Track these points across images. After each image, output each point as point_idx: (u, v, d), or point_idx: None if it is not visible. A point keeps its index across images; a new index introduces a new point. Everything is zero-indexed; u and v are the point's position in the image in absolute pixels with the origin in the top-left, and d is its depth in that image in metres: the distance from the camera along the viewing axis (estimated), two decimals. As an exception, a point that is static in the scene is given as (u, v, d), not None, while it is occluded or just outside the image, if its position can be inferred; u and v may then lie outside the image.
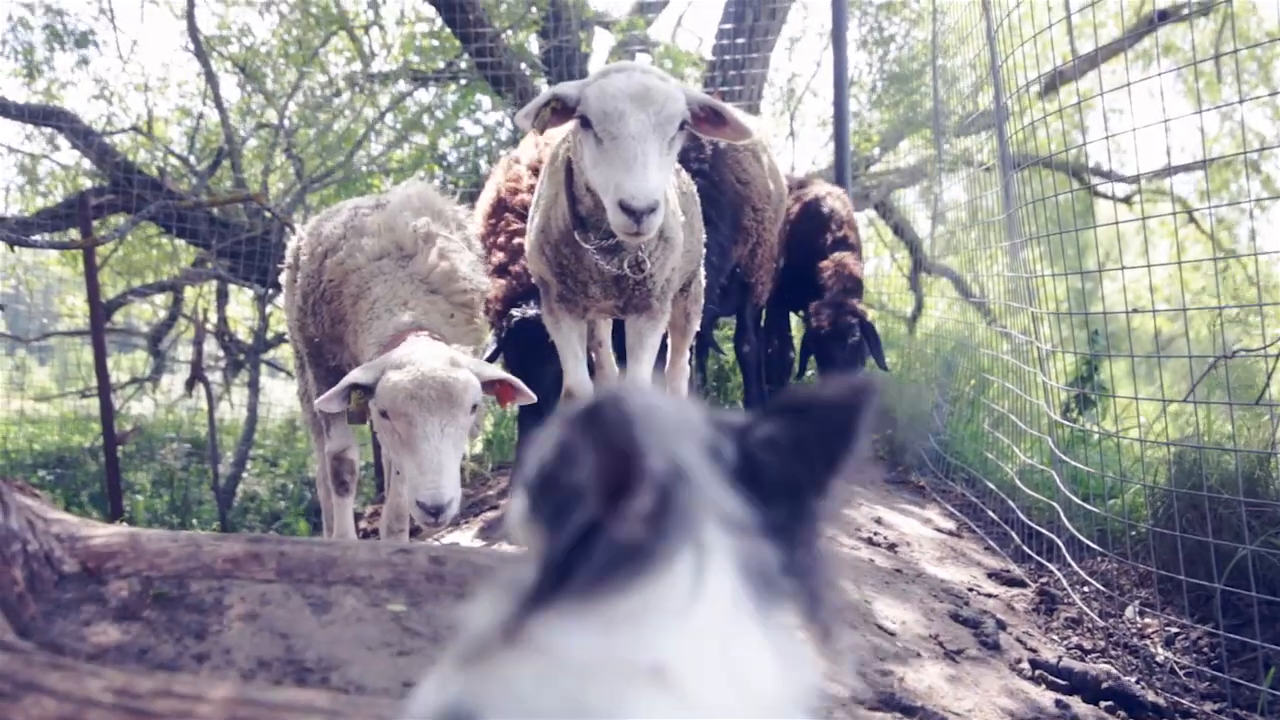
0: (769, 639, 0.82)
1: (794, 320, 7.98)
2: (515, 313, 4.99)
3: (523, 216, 4.82)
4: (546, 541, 0.84)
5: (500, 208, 5.19)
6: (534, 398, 3.73)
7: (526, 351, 4.94)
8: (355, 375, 3.44)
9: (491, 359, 4.87)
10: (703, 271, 4.72)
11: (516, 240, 4.94)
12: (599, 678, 0.73)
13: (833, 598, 0.90)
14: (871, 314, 7.06)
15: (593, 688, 0.73)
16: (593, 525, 0.81)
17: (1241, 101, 3.72)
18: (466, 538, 4.86)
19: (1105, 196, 13.97)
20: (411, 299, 3.81)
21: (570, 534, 0.81)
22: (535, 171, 4.86)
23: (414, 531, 4.80)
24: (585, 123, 3.33)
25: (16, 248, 7.99)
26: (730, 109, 3.58)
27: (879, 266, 13.71)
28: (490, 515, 5.27)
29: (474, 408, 3.45)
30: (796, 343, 7.82)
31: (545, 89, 3.54)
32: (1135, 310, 3.81)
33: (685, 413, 0.89)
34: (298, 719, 1.58)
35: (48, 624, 2.10)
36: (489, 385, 3.57)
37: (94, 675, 1.61)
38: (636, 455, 0.80)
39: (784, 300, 7.44)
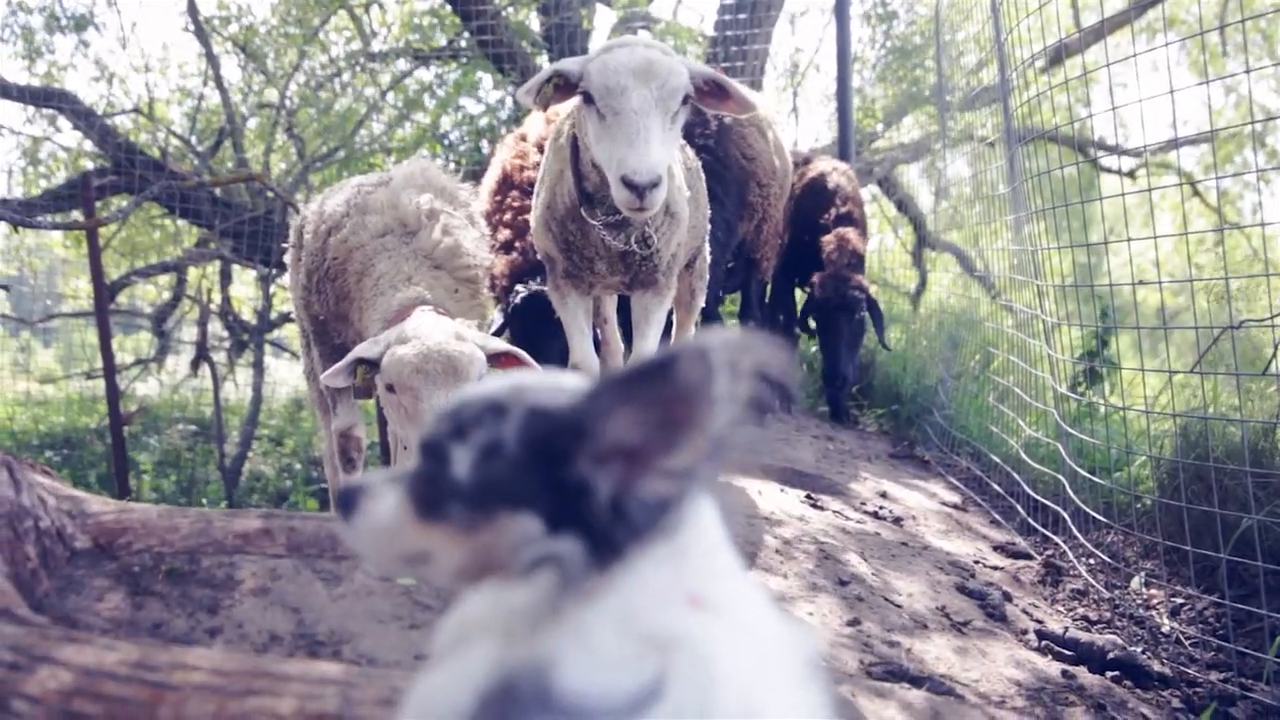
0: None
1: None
2: (521, 288, 4.99)
3: (528, 193, 4.81)
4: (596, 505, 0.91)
5: (506, 184, 5.18)
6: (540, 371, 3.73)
7: (532, 327, 4.95)
8: (361, 350, 3.44)
9: (497, 334, 4.87)
10: (708, 247, 4.72)
11: (522, 217, 4.93)
12: (650, 613, 0.84)
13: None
14: (874, 289, 7.05)
15: (648, 621, 0.84)
16: (623, 487, 0.90)
17: (1248, 72, 3.69)
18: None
19: (1110, 171, 13.93)
20: (416, 274, 3.80)
21: (608, 491, 0.90)
22: (541, 148, 4.85)
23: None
24: (588, 98, 3.32)
25: (20, 229, 7.98)
26: (733, 83, 3.56)
27: (882, 242, 13.67)
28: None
29: (480, 381, 3.45)
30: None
31: (547, 66, 3.52)
32: (1141, 283, 3.80)
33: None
34: (312, 690, 1.59)
35: (60, 599, 2.11)
36: (494, 359, 3.56)
37: (109, 648, 1.62)
38: (703, 410, 0.88)
39: (787, 275, 7.44)
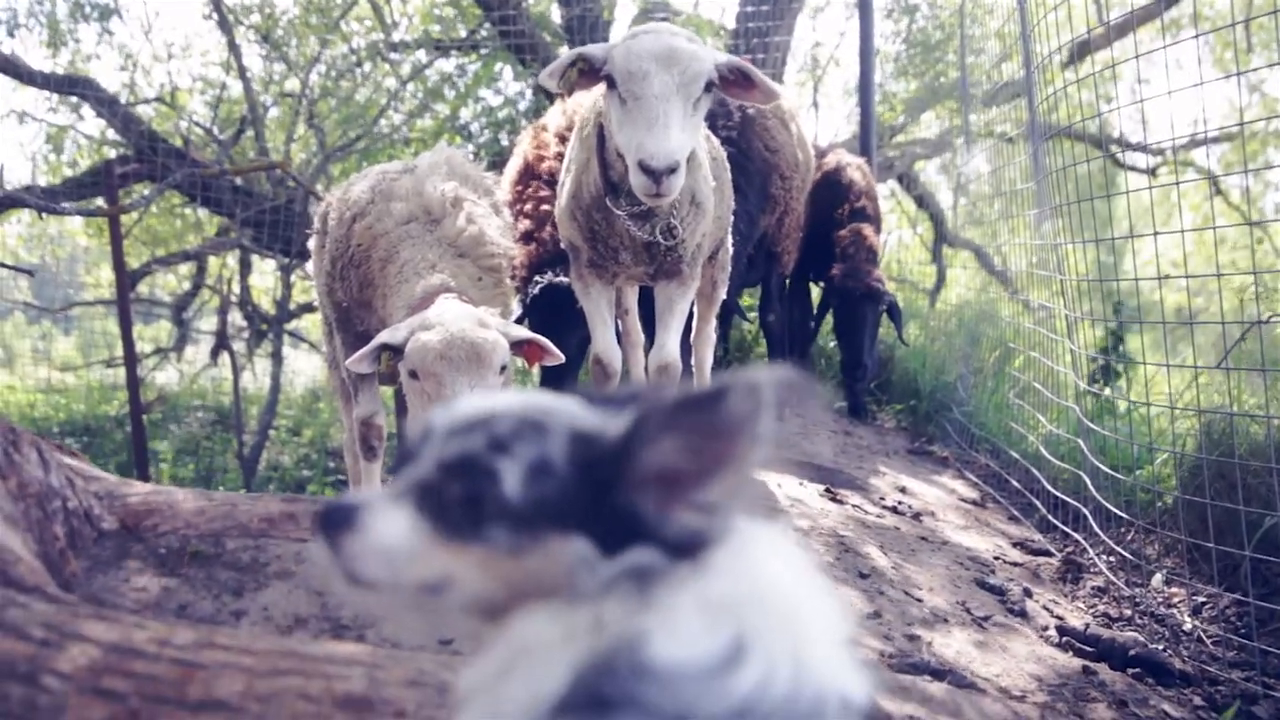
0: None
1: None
2: (540, 279, 5.00)
3: (550, 184, 4.81)
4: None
5: (527, 174, 5.19)
6: (562, 358, 3.72)
7: (551, 317, 4.95)
8: (385, 336, 3.45)
9: (517, 323, 4.88)
10: (730, 239, 4.71)
11: (543, 207, 4.93)
12: (720, 587, 0.91)
13: None
14: (891, 286, 7.04)
15: (720, 592, 0.90)
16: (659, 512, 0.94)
17: (1271, 66, 3.66)
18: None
19: (1134, 169, 13.83)
20: (440, 262, 3.81)
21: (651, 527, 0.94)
22: (562, 139, 4.85)
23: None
24: (611, 83, 3.32)
25: (43, 216, 8.03)
26: (758, 71, 3.55)
27: (900, 239, 13.61)
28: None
29: (503, 369, 3.45)
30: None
31: (571, 50, 3.52)
32: (1167, 277, 3.77)
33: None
34: (339, 671, 1.59)
35: (88, 579, 2.13)
36: (517, 346, 3.56)
37: (138, 626, 1.63)
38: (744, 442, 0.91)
39: (802, 269, 7.42)
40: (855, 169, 7.20)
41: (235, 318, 12.35)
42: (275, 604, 2.16)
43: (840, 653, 0.93)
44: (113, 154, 10.67)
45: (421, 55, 11.86)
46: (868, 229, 6.83)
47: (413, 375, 3.40)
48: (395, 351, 3.43)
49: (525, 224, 5.09)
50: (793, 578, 0.96)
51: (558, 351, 3.66)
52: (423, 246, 3.83)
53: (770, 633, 0.88)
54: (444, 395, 3.30)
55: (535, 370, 4.63)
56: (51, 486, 2.13)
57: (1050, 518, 4.64)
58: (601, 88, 3.48)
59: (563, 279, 4.79)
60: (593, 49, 3.40)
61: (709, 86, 3.34)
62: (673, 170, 3.13)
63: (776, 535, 1.00)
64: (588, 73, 3.41)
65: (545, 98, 9.65)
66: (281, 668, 1.57)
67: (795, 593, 0.95)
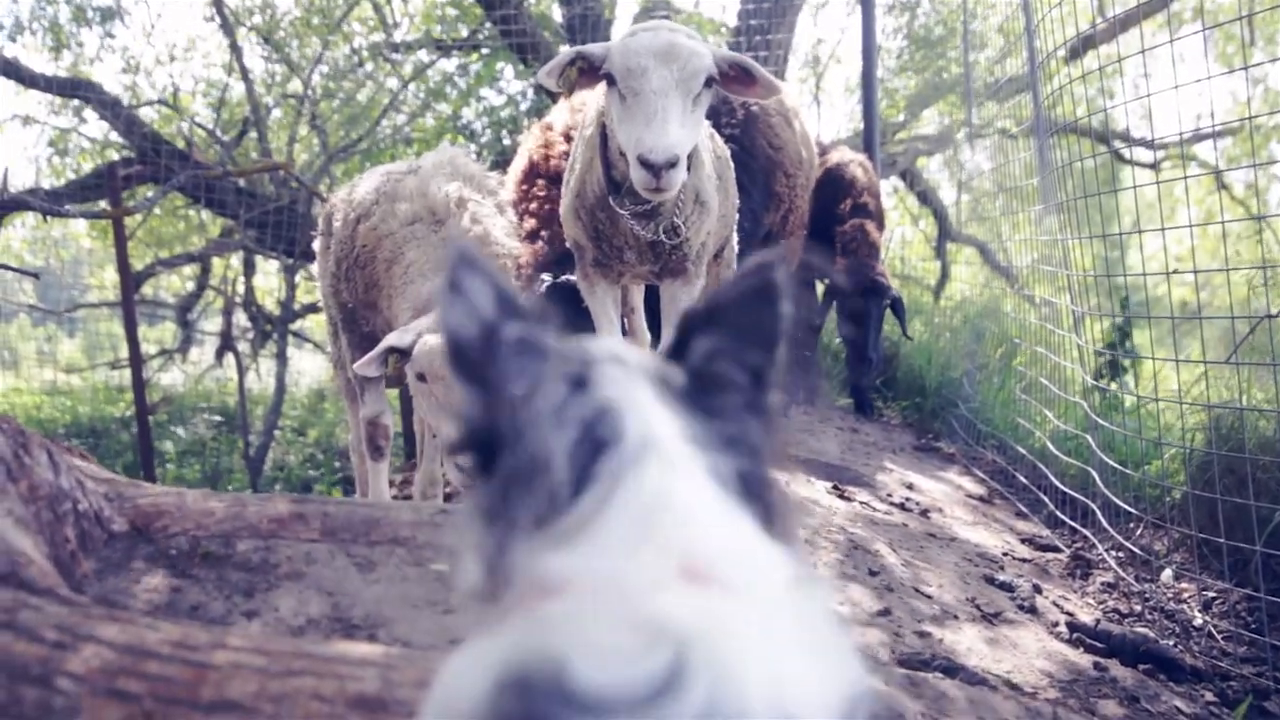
0: (758, 534, 0.84)
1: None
2: (545, 277, 4.99)
3: (555, 182, 4.80)
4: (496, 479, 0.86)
5: (532, 173, 5.17)
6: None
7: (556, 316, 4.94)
8: (392, 339, 3.45)
9: None
10: (735, 237, 4.70)
11: (548, 206, 4.92)
12: (647, 590, 0.73)
13: (787, 510, 0.92)
14: (894, 282, 7.02)
15: (648, 601, 0.72)
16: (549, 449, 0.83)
17: (1274, 61, 3.65)
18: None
19: (1139, 164, 13.80)
20: (445, 263, 3.81)
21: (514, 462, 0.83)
22: (568, 137, 4.84)
23: (448, 496, 4.83)
24: (611, 80, 3.32)
25: (47, 219, 8.04)
26: (759, 67, 3.54)
27: (903, 235, 13.60)
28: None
29: None
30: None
31: (569, 49, 3.52)
32: (1175, 271, 3.76)
33: (632, 352, 0.93)
34: (352, 671, 1.59)
35: (99, 581, 2.12)
36: None
37: (150, 628, 1.63)
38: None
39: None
40: (857, 165, 7.19)
41: (240, 318, 12.37)
42: (286, 604, 2.16)
43: (828, 666, 0.77)
44: (116, 156, 10.68)
45: (423, 55, 11.86)
46: (870, 225, 6.82)
47: (420, 378, 3.40)
48: (402, 354, 3.43)
49: (531, 223, 5.08)
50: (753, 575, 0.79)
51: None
52: (428, 247, 3.84)
53: (710, 670, 0.69)
54: (452, 399, 3.31)
55: None
56: (62, 489, 2.12)
57: (1058, 513, 4.64)
58: (603, 86, 3.48)
59: (569, 278, 4.78)
60: (592, 47, 3.40)
61: (709, 82, 3.34)
62: (672, 165, 3.12)
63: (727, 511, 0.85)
64: (587, 71, 3.40)
65: (548, 97, 9.65)
66: (295, 668, 1.57)
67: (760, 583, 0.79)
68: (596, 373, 0.89)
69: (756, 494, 0.88)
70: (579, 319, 4.59)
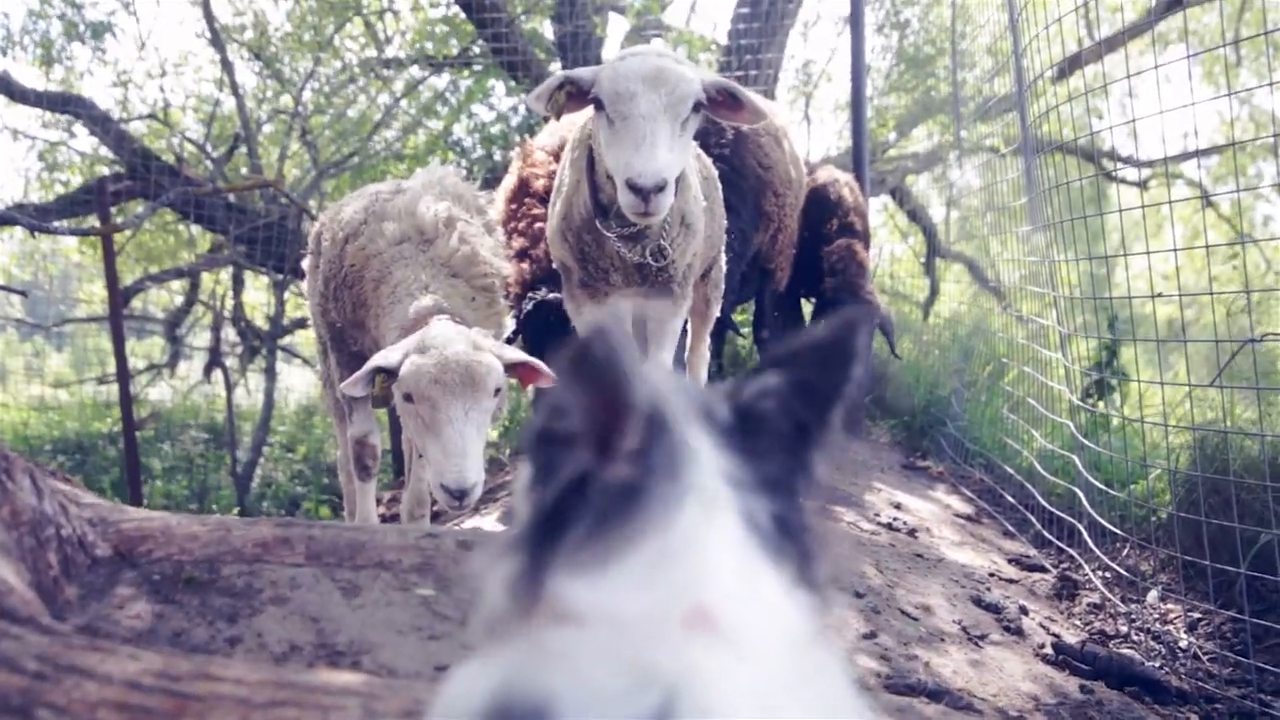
0: (785, 585, 0.81)
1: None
2: (533, 295, 5.00)
3: (544, 201, 4.82)
4: (543, 497, 0.83)
5: (521, 192, 5.20)
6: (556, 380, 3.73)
7: (544, 335, 4.96)
8: (379, 359, 3.45)
9: (509, 342, 4.88)
10: (724, 258, 4.72)
11: (537, 225, 4.94)
12: (647, 632, 0.72)
13: (824, 556, 0.89)
14: (883, 299, 7.04)
15: (646, 644, 0.71)
16: (587, 472, 0.80)
17: (1269, 84, 3.68)
18: (488, 522, 4.88)
19: (1125, 182, 13.89)
20: (433, 283, 3.81)
21: (563, 482, 0.81)
22: (556, 157, 4.86)
23: (435, 515, 4.82)
24: (599, 104, 3.34)
25: (36, 236, 8.03)
26: (746, 91, 3.57)
27: (892, 252, 13.65)
28: (510, 500, 5.28)
29: (497, 391, 3.46)
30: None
31: (559, 72, 3.54)
32: (1159, 295, 3.78)
33: (675, 378, 0.89)
34: (335, 702, 1.59)
35: (82, 607, 2.11)
36: (511, 368, 3.57)
37: (133, 658, 1.62)
38: (624, 387, 0.79)
39: (792, 285, 7.42)
40: (844, 185, 7.21)
41: (229, 334, 12.34)
42: (270, 630, 2.15)
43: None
44: (106, 171, 10.67)
45: (415, 71, 11.88)
46: (858, 245, 6.84)
47: (407, 399, 3.40)
48: (389, 374, 3.43)
49: (519, 241, 5.10)
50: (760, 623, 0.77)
51: (552, 374, 3.67)
52: (415, 267, 3.84)
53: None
54: (439, 419, 3.31)
55: (530, 390, 4.61)
56: (45, 514, 2.12)
57: (1045, 533, 4.65)
58: (590, 110, 3.50)
59: (555, 295, 4.79)
60: (580, 72, 3.42)
61: (697, 107, 3.36)
62: (660, 189, 3.14)
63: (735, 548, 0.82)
64: (575, 95, 3.43)
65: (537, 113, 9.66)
66: (278, 699, 1.56)
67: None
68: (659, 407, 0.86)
69: (792, 539, 0.86)
70: (564, 336, 4.61)
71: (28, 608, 1.75)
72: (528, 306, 4.99)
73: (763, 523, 0.84)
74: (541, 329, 4.95)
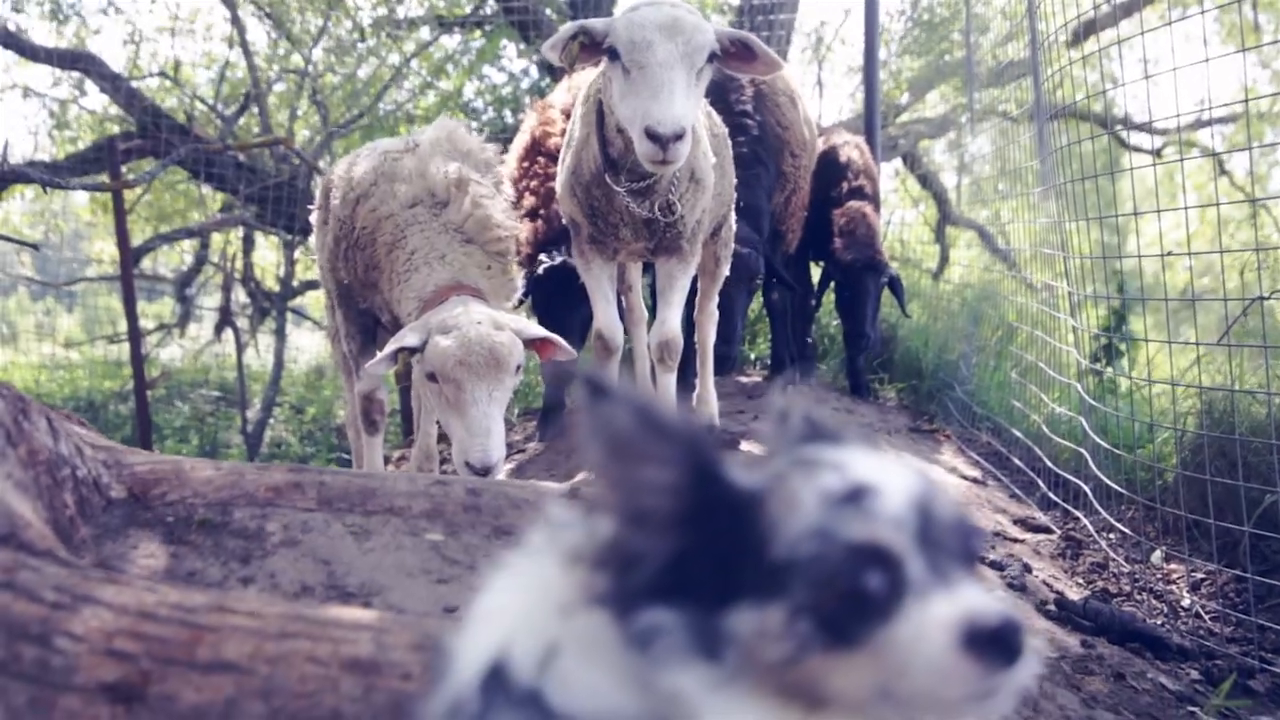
0: None
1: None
2: (544, 258, 5.01)
3: (555, 159, 4.82)
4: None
5: (533, 150, 5.19)
6: (574, 354, 3.78)
7: (554, 298, 4.97)
8: (402, 338, 3.50)
9: (520, 303, 4.90)
10: (733, 215, 4.71)
11: (549, 185, 4.94)
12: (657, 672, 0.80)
13: None
14: (894, 264, 7.01)
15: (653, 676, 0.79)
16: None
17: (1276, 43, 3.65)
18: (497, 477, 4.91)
19: (1139, 149, 13.79)
20: (449, 251, 3.83)
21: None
22: (568, 115, 4.86)
23: (443, 471, 4.86)
24: (613, 54, 3.34)
25: (47, 191, 8.04)
26: (760, 43, 3.56)
27: (903, 218, 13.58)
28: (519, 458, 5.32)
29: (518, 369, 3.50)
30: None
31: (572, 23, 3.54)
32: (1170, 254, 3.78)
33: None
34: (346, 635, 1.62)
35: (97, 547, 2.15)
36: (530, 342, 3.61)
37: (149, 590, 1.65)
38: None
39: (801, 248, 7.40)
40: (853, 147, 7.17)
41: (239, 294, 12.38)
42: (282, 571, 2.19)
43: None
44: (116, 129, 10.66)
45: (425, 32, 11.82)
46: (867, 207, 6.81)
47: (431, 378, 3.45)
48: (412, 352, 3.49)
49: (530, 200, 5.10)
50: None
51: (570, 348, 3.71)
52: (430, 233, 3.85)
53: None
54: (463, 400, 3.37)
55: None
56: (61, 454, 2.15)
57: (1051, 495, 4.66)
58: (603, 64, 3.50)
59: (566, 260, 4.80)
60: (594, 22, 3.42)
61: (711, 58, 3.36)
62: (679, 137, 3.14)
63: None
64: (589, 46, 3.42)
65: (549, 74, 9.64)
66: (290, 631, 1.59)
67: None
68: None
69: None
70: (574, 300, 4.62)
71: (45, 542, 1.78)
72: (540, 270, 5.00)
73: None
74: (551, 293, 4.97)
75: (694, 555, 0.82)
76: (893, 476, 0.84)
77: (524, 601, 0.91)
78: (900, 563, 0.79)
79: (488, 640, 0.90)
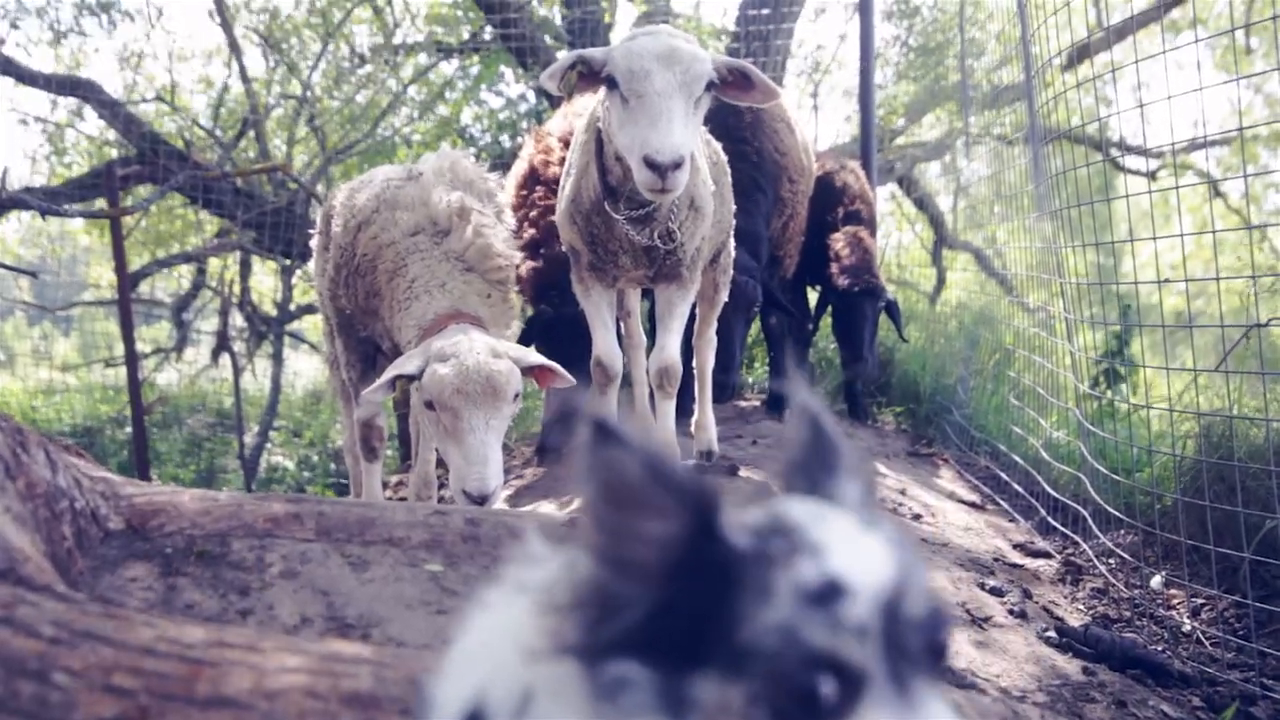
0: None
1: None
2: (546, 309, 5.04)
3: (554, 189, 4.83)
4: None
5: (532, 179, 5.20)
6: (573, 381, 3.78)
7: (554, 346, 4.94)
8: (400, 365, 3.50)
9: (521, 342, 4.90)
10: (732, 242, 4.72)
11: (548, 216, 4.94)
12: None
13: None
14: (891, 288, 7.03)
15: None
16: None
17: (1274, 70, 3.68)
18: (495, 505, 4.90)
19: (1134, 172, 13.84)
20: (449, 280, 3.84)
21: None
22: (566, 143, 4.87)
23: (441, 498, 4.84)
24: (612, 83, 3.36)
25: (45, 218, 8.05)
26: (757, 71, 3.58)
27: (900, 240, 13.63)
28: (517, 483, 5.31)
29: (516, 396, 3.50)
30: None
31: (571, 52, 3.56)
32: (1166, 280, 3.79)
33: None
34: (346, 669, 1.61)
35: (95, 579, 2.14)
36: (528, 370, 3.61)
37: (147, 624, 1.65)
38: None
39: (798, 273, 7.41)
40: (849, 172, 7.20)
41: (236, 319, 12.37)
42: (280, 603, 2.18)
43: None
44: (114, 155, 10.69)
45: (423, 58, 11.88)
46: (864, 232, 6.83)
47: (429, 405, 3.45)
48: (410, 380, 3.50)
49: (530, 232, 5.10)
50: None
51: (568, 376, 3.71)
52: (431, 261, 3.86)
53: None
54: (461, 428, 3.38)
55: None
56: (59, 487, 2.14)
57: (1050, 520, 4.66)
58: (601, 92, 3.52)
59: (565, 310, 4.83)
60: (592, 51, 3.44)
61: (709, 86, 3.38)
62: (678, 165, 3.15)
63: None
64: (587, 75, 3.44)
65: (546, 100, 9.68)
66: (289, 665, 1.59)
67: None
68: None
69: None
70: (575, 349, 4.61)
71: (43, 576, 1.78)
72: (538, 318, 5.03)
73: None
74: (552, 341, 4.96)
75: (673, 611, 0.81)
76: (868, 564, 0.83)
77: (499, 645, 0.93)
78: (858, 675, 0.79)
79: (465, 684, 0.92)
